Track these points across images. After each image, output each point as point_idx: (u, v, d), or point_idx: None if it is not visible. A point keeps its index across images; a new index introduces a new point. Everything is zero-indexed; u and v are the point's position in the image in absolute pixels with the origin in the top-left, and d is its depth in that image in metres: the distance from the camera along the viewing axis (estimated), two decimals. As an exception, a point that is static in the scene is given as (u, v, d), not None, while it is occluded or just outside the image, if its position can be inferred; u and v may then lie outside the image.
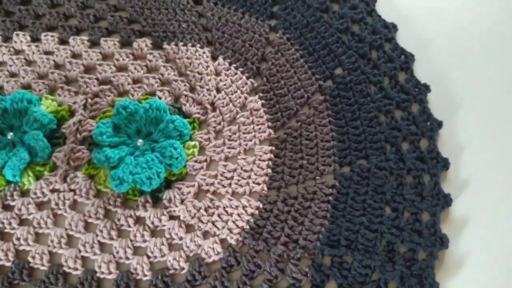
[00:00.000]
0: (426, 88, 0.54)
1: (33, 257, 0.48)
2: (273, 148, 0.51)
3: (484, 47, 0.58)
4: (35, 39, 0.59)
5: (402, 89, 0.54)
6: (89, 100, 0.54)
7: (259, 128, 0.52)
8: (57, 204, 0.50)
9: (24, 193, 0.52)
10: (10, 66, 0.57)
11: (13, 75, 0.58)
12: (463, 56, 0.58)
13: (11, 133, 0.53)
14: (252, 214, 0.49)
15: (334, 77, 0.55)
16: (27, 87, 0.57)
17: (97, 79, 0.56)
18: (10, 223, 0.50)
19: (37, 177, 0.52)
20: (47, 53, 0.58)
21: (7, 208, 0.51)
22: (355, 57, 0.56)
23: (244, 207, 0.49)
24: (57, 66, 0.58)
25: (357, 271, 0.46)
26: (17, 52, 0.59)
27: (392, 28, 0.58)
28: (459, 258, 0.48)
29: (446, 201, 0.49)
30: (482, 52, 0.58)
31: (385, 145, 0.52)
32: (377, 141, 0.52)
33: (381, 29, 0.58)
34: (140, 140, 0.51)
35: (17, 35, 0.59)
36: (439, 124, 0.52)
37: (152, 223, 0.49)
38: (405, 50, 0.57)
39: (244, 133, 0.52)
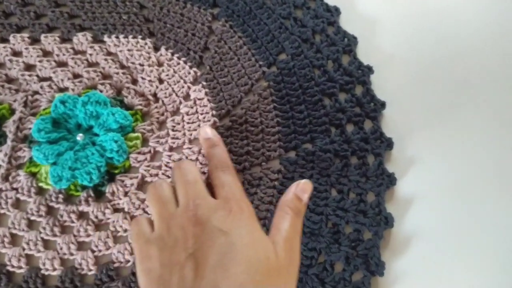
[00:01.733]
0: (369, 69, 0.55)
1: None
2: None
3: (427, 26, 0.59)
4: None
5: (345, 71, 0.54)
6: (29, 97, 0.53)
7: (204, 117, 0.52)
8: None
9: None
10: None
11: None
12: (407, 37, 0.58)
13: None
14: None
15: (278, 63, 0.55)
16: (-34, 87, 0.55)
17: (37, 76, 0.55)
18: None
19: (-21, 178, 0.50)
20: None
21: None
22: (298, 42, 0.56)
23: None
24: (-2, 65, 0.56)
25: (303, 254, 0.46)
26: None
27: (334, 11, 0.58)
28: (404, 237, 0.48)
29: (390, 180, 0.49)
30: (426, 31, 0.58)
31: (330, 127, 0.52)
32: (322, 124, 0.52)
33: (324, 13, 0.58)
34: (80, 134, 0.51)
35: None
36: (382, 105, 0.53)
37: (96, 217, 0.49)
38: (347, 33, 0.57)
39: (188, 123, 0.52)
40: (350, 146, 0.51)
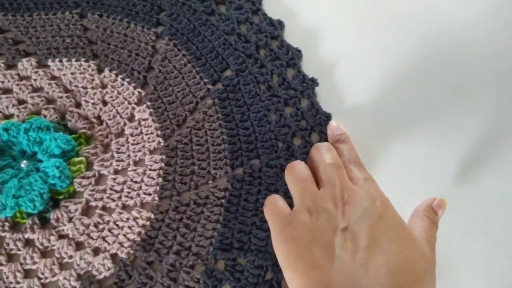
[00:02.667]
0: (313, 82, 0.55)
1: None
2: (164, 156, 0.51)
3: (372, 35, 0.59)
4: None
5: (289, 85, 0.55)
6: None
7: (148, 138, 0.52)
8: None
9: None
10: None
11: None
12: (352, 46, 0.58)
13: None
14: (143, 226, 0.49)
15: (223, 80, 0.55)
16: None
17: None
18: None
19: None
20: None
21: None
22: (242, 58, 0.56)
23: (135, 219, 0.49)
24: None
25: (250, 272, 0.46)
26: None
27: (278, 25, 0.59)
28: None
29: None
30: (370, 40, 0.59)
31: (276, 142, 0.52)
32: (268, 140, 0.52)
33: (267, 27, 0.58)
34: (24, 161, 0.51)
35: None
36: (328, 117, 0.53)
37: (42, 244, 0.49)
38: (291, 46, 0.57)
39: (132, 144, 0.52)
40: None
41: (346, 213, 0.41)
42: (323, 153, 0.46)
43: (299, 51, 0.57)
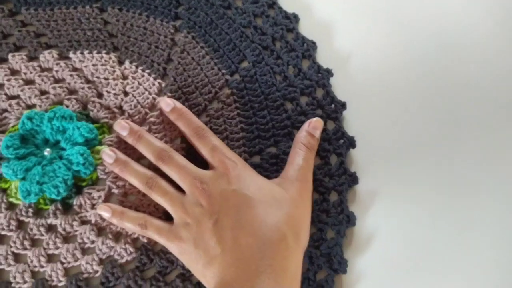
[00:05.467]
0: (328, 72, 0.57)
1: None
2: (184, 144, 0.53)
3: (385, 28, 0.61)
4: None
5: (305, 76, 0.57)
6: None
7: (170, 127, 0.54)
8: (-30, 220, 0.51)
9: None
10: None
11: None
12: (365, 38, 0.61)
13: None
14: (164, 212, 0.50)
15: (240, 71, 0.57)
16: None
17: (5, 94, 0.57)
18: None
19: None
20: (-45, 73, 0.59)
21: None
22: (259, 50, 0.58)
23: (155, 205, 0.51)
24: (-34, 85, 0.58)
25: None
26: None
27: (293, 18, 0.61)
28: (367, 235, 0.50)
29: (352, 179, 0.51)
30: (384, 32, 0.61)
31: (292, 130, 0.54)
32: (284, 128, 0.54)
33: (283, 20, 0.61)
34: (47, 149, 0.53)
35: None
36: (343, 105, 0.55)
37: (64, 229, 0.50)
38: (306, 38, 0.59)
39: (155, 132, 0.54)
40: None
41: (211, 206, 0.48)
42: (163, 162, 0.51)
43: (314, 43, 0.59)
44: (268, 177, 0.51)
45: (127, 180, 0.50)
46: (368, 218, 0.51)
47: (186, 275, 0.48)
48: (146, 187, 0.48)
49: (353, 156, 0.55)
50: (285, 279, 0.44)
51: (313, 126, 0.53)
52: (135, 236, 0.50)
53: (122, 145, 0.53)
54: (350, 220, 0.49)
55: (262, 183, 0.49)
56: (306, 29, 0.61)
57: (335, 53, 0.59)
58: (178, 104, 0.53)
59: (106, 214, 0.49)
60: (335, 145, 0.53)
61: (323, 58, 0.59)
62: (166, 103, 0.52)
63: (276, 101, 0.55)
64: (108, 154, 0.50)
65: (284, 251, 0.45)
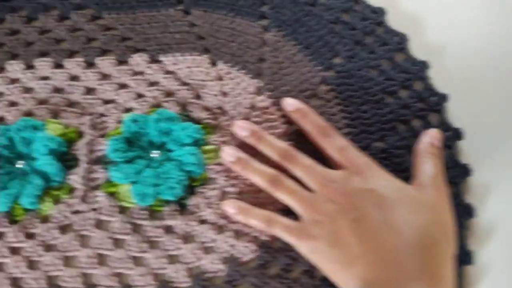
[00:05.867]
0: (425, 65, 0.58)
1: (65, 281, 0.48)
2: (292, 142, 0.54)
3: (475, 15, 0.63)
4: (30, 66, 0.60)
5: (401, 69, 0.58)
6: (96, 120, 0.55)
7: (274, 125, 0.54)
8: (80, 225, 0.52)
9: (44, 219, 0.53)
10: (8, 95, 0.58)
11: (12, 104, 0.58)
12: (456, 29, 0.62)
13: (20, 162, 0.53)
14: (281, 210, 0.51)
15: (334, 67, 0.58)
16: (29, 114, 0.58)
17: (100, 99, 0.57)
18: (36, 251, 0.51)
19: (56, 201, 0.53)
20: (43, 78, 0.59)
21: (30, 236, 0.52)
22: (351, 45, 0.59)
23: (272, 204, 0.51)
24: (57, 90, 0.58)
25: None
26: (13, 81, 0.59)
27: (380, 12, 0.62)
28: (487, 226, 0.51)
29: (465, 171, 0.52)
30: (471, 21, 0.62)
31: (397, 124, 0.55)
32: (389, 122, 0.55)
33: (370, 14, 0.62)
34: (155, 151, 0.53)
35: (11, 64, 0.60)
36: (444, 98, 0.56)
37: (183, 230, 0.50)
38: (397, 31, 0.61)
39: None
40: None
41: (348, 204, 0.47)
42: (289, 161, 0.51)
43: (404, 35, 0.60)
44: None
45: (249, 178, 0.50)
46: (485, 209, 0.51)
47: (311, 271, 0.48)
48: (270, 185, 0.48)
49: (461, 146, 0.56)
50: None
51: (434, 136, 0.52)
52: (255, 233, 0.49)
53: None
54: (469, 211, 0.50)
55: (399, 184, 0.48)
56: (391, 22, 0.61)
57: (426, 45, 0.59)
58: (301, 104, 0.53)
59: (231, 210, 0.49)
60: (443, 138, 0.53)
61: (414, 51, 0.58)
62: (288, 103, 0.53)
63: (375, 95, 0.56)
64: (229, 153, 0.50)
65: (438, 257, 0.44)
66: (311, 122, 0.52)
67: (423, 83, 0.58)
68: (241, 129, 0.52)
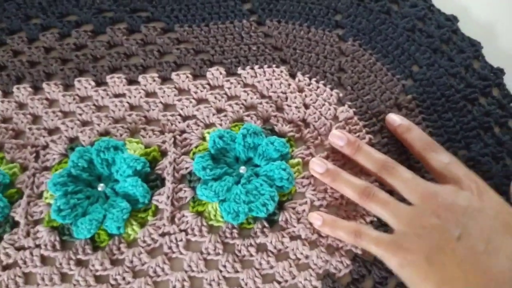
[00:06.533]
0: (501, 71, 0.58)
1: None
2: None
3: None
4: (100, 83, 0.60)
5: (480, 76, 0.58)
6: (177, 137, 0.55)
7: (358, 136, 0.55)
8: (170, 247, 0.52)
9: (130, 244, 0.53)
10: (80, 114, 0.58)
11: (85, 123, 0.58)
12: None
13: (101, 184, 0.53)
14: (371, 222, 0.51)
15: (414, 75, 0.58)
16: (104, 134, 0.57)
17: (179, 115, 0.57)
18: (123, 278, 0.51)
19: (142, 224, 0.53)
20: (117, 96, 0.59)
21: (115, 263, 0.52)
22: (429, 53, 0.59)
23: (362, 215, 0.51)
24: (132, 107, 0.58)
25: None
26: (83, 99, 0.60)
27: (453, 19, 0.62)
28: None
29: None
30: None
31: (481, 132, 0.55)
32: (472, 129, 0.55)
33: (445, 22, 0.62)
34: (243, 167, 0.53)
35: (79, 81, 0.60)
36: None
37: (275, 247, 0.51)
38: (472, 39, 0.61)
39: None
40: (503, 147, 0.53)
41: (452, 221, 0.46)
42: (388, 173, 0.50)
43: (479, 42, 0.60)
44: None
45: (339, 190, 0.50)
46: None
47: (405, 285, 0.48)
48: (362, 197, 0.48)
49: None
50: None
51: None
52: (348, 247, 0.49)
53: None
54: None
55: (510, 209, 0.46)
56: (463, 30, 0.61)
57: (500, 52, 0.61)
58: (405, 120, 0.55)
59: (317, 222, 0.50)
60: None
61: (488, 58, 0.60)
62: (393, 119, 0.55)
63: (458, 103, 0.56)
64: (318, 164, 0.50)
65: None
66: (416, 137, 0.51)
67: (501, 90, 0.57)
68: (338, 138, 0.52)
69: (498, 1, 0.66)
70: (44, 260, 0.52)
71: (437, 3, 0.65)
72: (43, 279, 0.51)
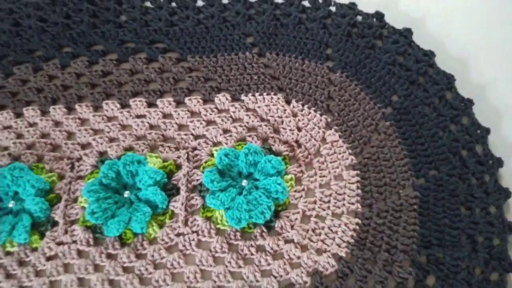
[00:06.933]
0: (470, 102, 0.69)
1: None
2: (358, 172, 0.65)
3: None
4: (124, 105, 0.71)
5: (451, 106, 0.69)
6: (190, 153, 0.67)
7: (342, 156, 0.66)
8: (184, 245, 0.62)
9: (151, 241, 0.63)
10: (108, 132, 0.69)
11: (112, 140, 0.69)
12: (496, 70, 0.74)
13: (127, 192, 0.65)
14: (354, 230, 0.62)
15: (393, 104, 0.69)
16: (129, 149, 0.68)
17: (192, 134, 0.68)
18: (146, 269, 0.61)
19: (160, 226, 0.64)
20: (139, 116, 0.70)
21: (139, 257, 0.62)
22: (407, 85, 0.70)
23: (345, 224, 0.62)
24: (151, 127, 0.69)
25: (450, 263, 0.59)
26: (110, 119, 0.71)
27: (430, 54, 0.73)
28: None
29: (506, 194, 0.63)
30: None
31: (449, 155, 0.66)
32: (442, 153, 0.66)
33: (422, 57, 0.73)
34: (245, 181, 0.64)
35: (107, 103, 0.71)
36: (487, 131, 0.67)
37: (272, 248, 0.61)
38: (446, 72, 0.71)
39: (330, 162, 0.66)
40: (469, 169, 0.64)
41: None
42: None
43: (452, 75, 0.71)
44: (437, 196, 0.63)
45: None
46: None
47: (384, 282, 0.59)
48: None
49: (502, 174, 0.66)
50: None
51: None
52: (334, 251, 0.61)
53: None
54: (511, 228, 0.61)
55: None
56: (440, 63, 0.72)
57: (470, 83, 0.71)
58: None
59: None
60: (487, 166, 0.64)
61: (460, 89, 0.70)
62: None
63: (430, 129, 0.67)
64: None
65: None
66: None
67: (469, 118, 0.68)
68: None
69: (473, 36, 0.77)
70: (80, 253, 0.63)
71: (417, 39, 0.76)
72: (79, 269, 0.62)
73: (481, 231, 0.62)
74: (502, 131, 0.69)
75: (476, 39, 0.78)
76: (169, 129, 0.69)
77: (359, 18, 0.77)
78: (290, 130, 0.67)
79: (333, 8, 0.79)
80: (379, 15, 0.76)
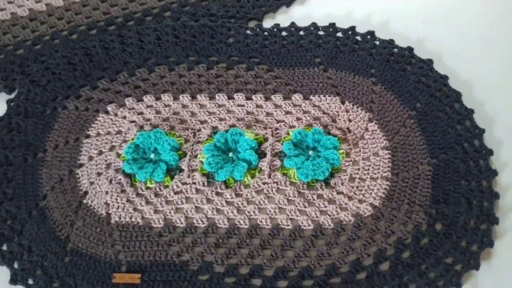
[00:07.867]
0: (472, 111, 0.90)
1: (261, 221, 0.83)
2: (390, 151, 0.88)
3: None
4: (230, 98, 0.96)
5: (458, 113, 0.91)
6: (273, 131, 0.92)
7: (378, 141, 0.89)
8: (267, 191, 0.85)
9: (246, 186, 0.86)
10: (218, 114, 0.93)
11: (221, 119, 0.93)
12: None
13: (231, 153, 0.89)
14: (385, 189, 0.84)
15: (417, 108, 0.93)
16: (232, 126, 0.92)
17: (275, 119, 0.92)
18: (242, 204, 0.84)
19: (252, 176, 0.87)
20: (239, 105, 0.95)
21: (238, 196, 0.85)
22: (427, 96, 0.94)
23: (379, 184, 0.86)
24: (248, 112, 0.94)
25: (452, 216, 0.80)
26: (220, 106, 0.95)
27: (445, 77, 0.95)
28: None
29: (494, 173, 0.83)
30: None
31: (455, 145, 0.88)
32: (450, 143, 0.87)
33: (439, 78, 0.96)
34: (311, 151, 0.89)
35: (218, 96, 0.97)
36: (483, 131, 0.89)
37: (328, 197, 0.85)
38: (456, 90, 0.92)
39: (370, 144, 0.90)
40: (468, 155, 0.87)
41: None
42: None
43: (459, 92, 0.94)
44: (444, 171, 0.86)
45: None
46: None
47: (405, 225, 0.82)
48: None
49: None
50: None
51: None
52: (371, 201, 0.84)
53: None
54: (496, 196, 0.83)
55: None
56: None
57: (473, 99, 0.95)
58: None
59: None
60: (481, 154, 0.88)
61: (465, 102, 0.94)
62: None
63: (442, 127, 0.89)
64: None
65: None
66: None
67: (471, 122, 0.91)
68: None
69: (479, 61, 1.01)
70: (197, 190, 0.87)
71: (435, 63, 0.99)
72: (196, 201, 0.86)
73: (475, 196, 0.79)
74: (493, 132, 0.90)
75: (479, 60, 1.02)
76: (260, 115, 0.93)
77: (395, 50, 1.01)
78: (344, 121, 0.91)
79: (377, 42, 1.02)
80: (410, 49, 1.00)
